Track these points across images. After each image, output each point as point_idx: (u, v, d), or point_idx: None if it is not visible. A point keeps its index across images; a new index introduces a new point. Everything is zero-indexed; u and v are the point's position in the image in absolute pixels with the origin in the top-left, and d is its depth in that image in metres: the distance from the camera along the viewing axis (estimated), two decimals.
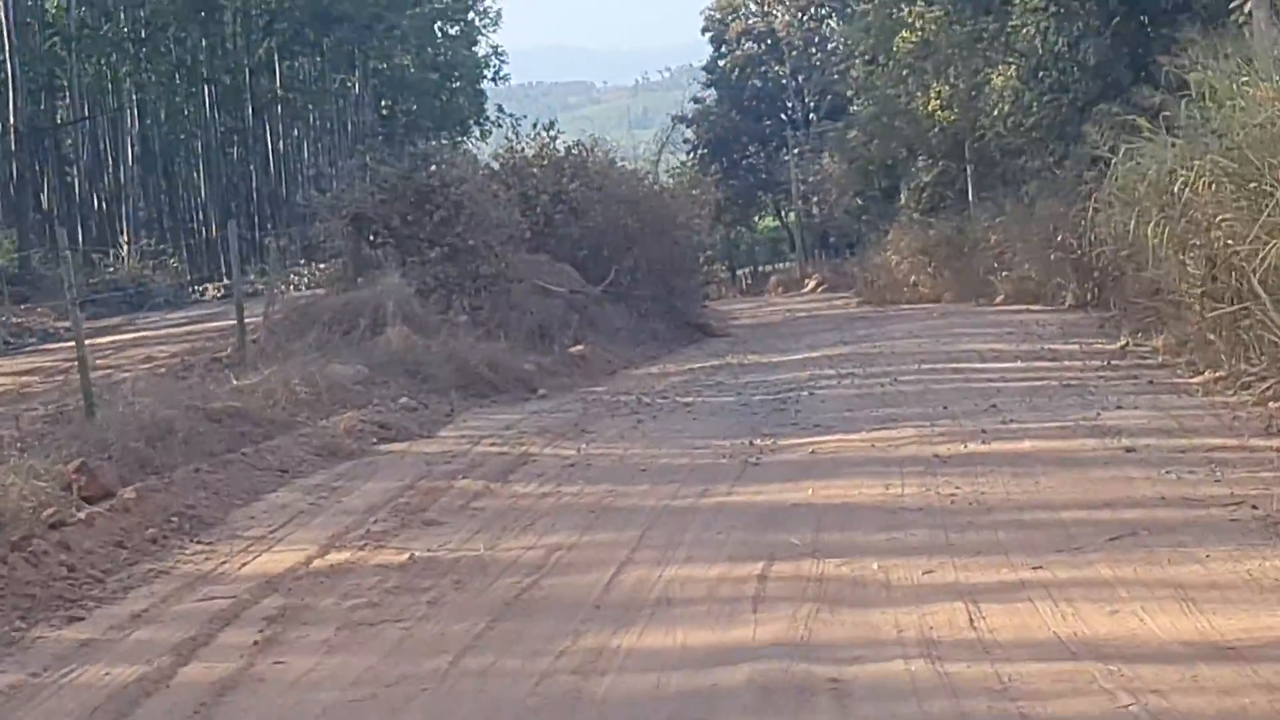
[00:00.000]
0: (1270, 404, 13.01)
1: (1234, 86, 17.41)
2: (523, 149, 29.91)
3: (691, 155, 65.35)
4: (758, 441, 13.71)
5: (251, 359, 18.66)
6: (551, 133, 29.98)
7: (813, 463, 12.45)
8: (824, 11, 62.51)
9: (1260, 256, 14.18)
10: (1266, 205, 15.20)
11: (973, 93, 37.13)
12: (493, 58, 66.89)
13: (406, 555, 9.99)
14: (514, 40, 76.19)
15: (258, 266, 36.88)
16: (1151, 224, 18.63)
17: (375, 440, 14.92)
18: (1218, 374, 15.41)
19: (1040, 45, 28.24)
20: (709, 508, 10.94)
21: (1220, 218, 15.93)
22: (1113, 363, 18.02)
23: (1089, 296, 25.71)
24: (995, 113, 34.95)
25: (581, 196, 28.16)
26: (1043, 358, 19.36)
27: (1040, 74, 28.31)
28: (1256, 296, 15.77)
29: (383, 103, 58.46)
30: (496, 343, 21.16)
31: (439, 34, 64.33)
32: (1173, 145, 18.57)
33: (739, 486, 11.68)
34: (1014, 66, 33.67)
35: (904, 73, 42.09)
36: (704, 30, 65.17)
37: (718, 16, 64.66)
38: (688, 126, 65.33)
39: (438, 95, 61.11)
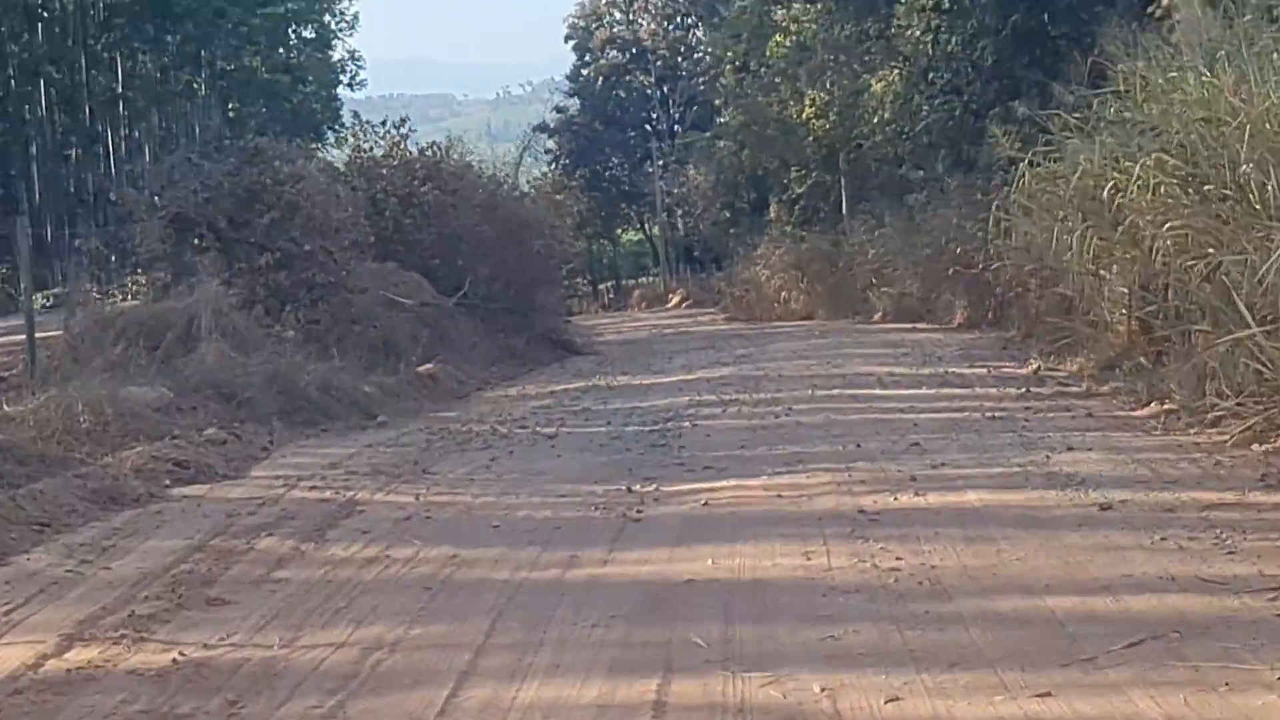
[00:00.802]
0: (1254, 446, 10.68)
1: (1171, 80, 15.20)
2: (371, 148, 27.14)
3: (553, 166, 62.78)
4: (637, 487, 11.13)
5: (41, 379, 15.75)
6: (403, 130, 27.25)
7: (707, 517, 9.89)
8: (690, 20, 60.28)
9: (1257, 274, 11.85)
10: (1230, 212, 12.95)
11: (851, 99, 34.94)
12: (349, 63, 63.81)
13: (173, 655, 7.27)
14: (374, 53, 72.99)
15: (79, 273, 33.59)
16: (1076, 234, 16.39)
17: (169, 482, 12.10)
18: (1167, 406, 13.12)
19: (931, 46, 26.04)
20: (580, 583, 8.33)
21: (1168, 226, 13.65)
22: (1033, 390, 15.69)
23: (987, 315, 23.45)
24: (875, 120, 32.80)
25: (435, 200, 25.44)
26: (950, 383, 17.00)
27: (930, 75, 26.11)
28: (1209, 315, 13.56)
29: (230, 105, 55.10)
30: (332, 362, 18.41)
31: (292, 36, 61.09)
32: (1100, 145, 16.34)
33: (617, 551, 9.08)
34: (897, 70, 31.52)
35: (777, 80, 39.90)
36: (567, 38, 62.71)
37: (581, 24, 62.20)
38: (550, 137, 62.77)
39: (288, 99, 57.89)
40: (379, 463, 13.06)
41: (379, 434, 15.60)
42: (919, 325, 26.58)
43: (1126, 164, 15.58)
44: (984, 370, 18.02)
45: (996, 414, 13.73)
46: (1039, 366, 17.75)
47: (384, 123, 27.60)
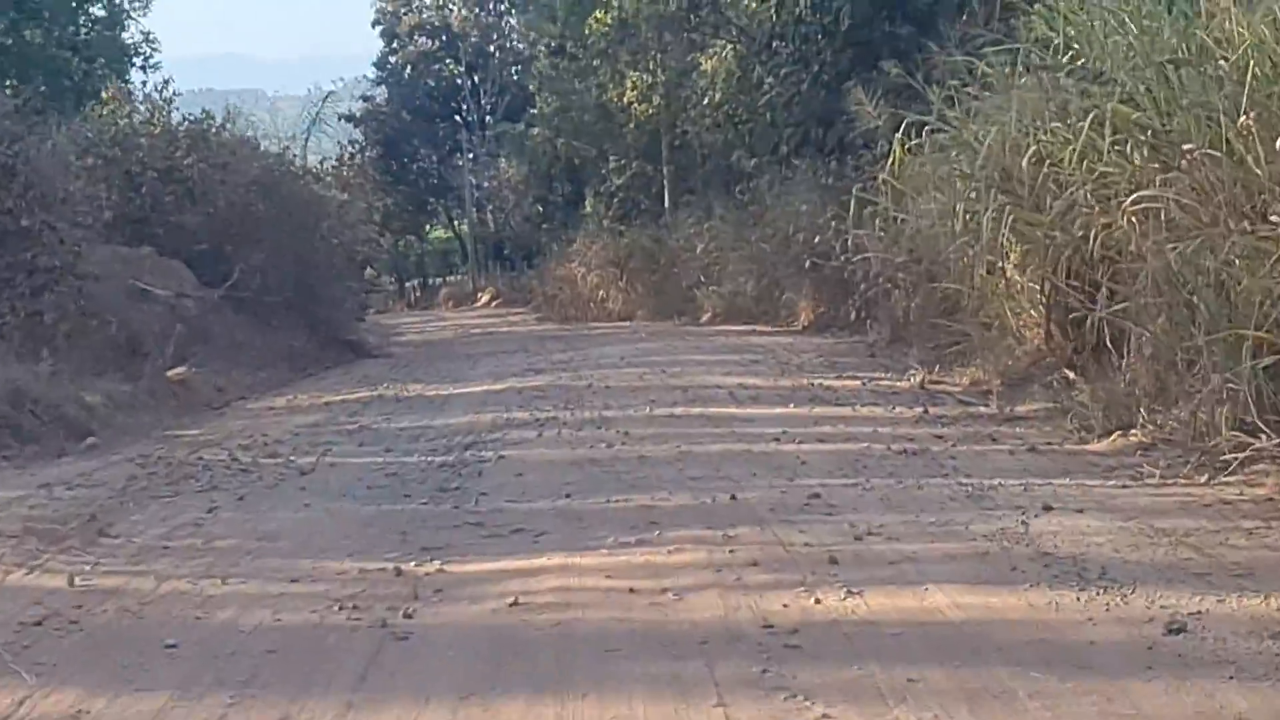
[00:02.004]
0: None
1: (1118, 17, 11.62)
2: (129, 114, 22.70)
3: (358, 156, 58.14)
4: (411, 566, 7.14)
5: None
6: (166, 94, 22.87)
7: (516, 637, 5.92)
8: (504, 6, 56.12)
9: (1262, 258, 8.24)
10: (1219, 181, 9.35)
11: (677, 80, 31.22)
12: (143, 44, 58.44)
13: None
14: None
15: None
16: (988, 214, 12.76)
17: None
18: (1134, 436, 9.50)
19: (776, 11, 22.34)
20: None
21: (1134, 199, 10.00)
22: (931, 410, 12.00)
23: (841, 315, 19.79)
24: (705, 101, 29.09)
25: (201, 176, 21.07)
26: (822, 399, 13.26)
27: (774, 44, 22.41)
28: (1167, 314, 9.98)
29: (7, 82, 49.64)
30: (41, 364, 14.11)
31: (79, 10, 55.64)
32: (1019, 102, 12.72)
33: (361, 711, 5.11)
34: (731, 45, 27.83)
35: (595, 62, 36.00)
36: (374, 24, 58.01)
37: (389, 9, 57.59)
38: (355, 126, 58.06)
39: (70, 78, 52.50)
40: (41, 515, 8.83)
41: (81, 462, 11.39)
42: (758, 328, 22.92)
43: (1055, 125, 12.05)
44: (856, 383, 14.33)
45: (906, 447, 9.97)
46: (923, 378, 14.11)
47: (143, 84, 23.14)
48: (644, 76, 33.56)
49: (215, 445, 12.08)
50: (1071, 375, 11.61)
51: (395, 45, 57.47)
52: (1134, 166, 10.29)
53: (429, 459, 10.78)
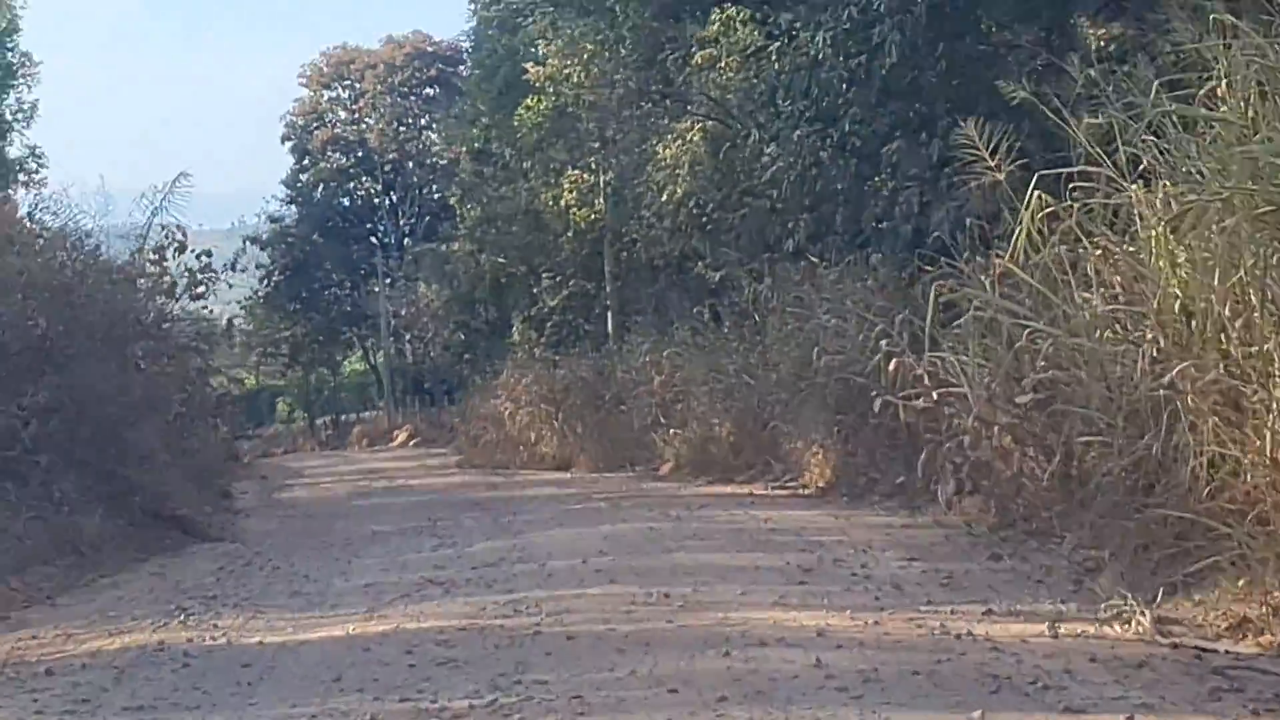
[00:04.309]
0: None
1: None
2: None
3: (265, 283, 50.93)
4: None
5: None
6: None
7: None
8: (424, 121, 49.33)
9: None
10: None
11: (630, 175, 24.36)
12: (30, 159, 51.05)
13: None
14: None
15: None
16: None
17: None
18: None
19: (777, 57, 15.50)
20: None
21: None
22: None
23: (919, 480, 12.54)
24: (665, 197, 22.20)
25: None
26: (1018, 687, 6.16)
27: (777, 102, 15.45)
28: None
29: None
30: None
31: None
32: None
33: None
34: (700, 125, 21.00)
35: (526, 162, 29.18)
36: (284, 139, 51.07)
37: (300, 123, 50.66)
38: (261, 249, 50.83)
39: None
40: None
41: None
42: (753, 490, 15.87)
43: None
44: (1030, 627, 7.33)
45: None
46: (1150, 620, 7.14)
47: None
48: (584, 175, 26.71)
49: None
50: None
51: (306, 162, 50.49)
52: None
53: None
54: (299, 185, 50.94)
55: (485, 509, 15.84)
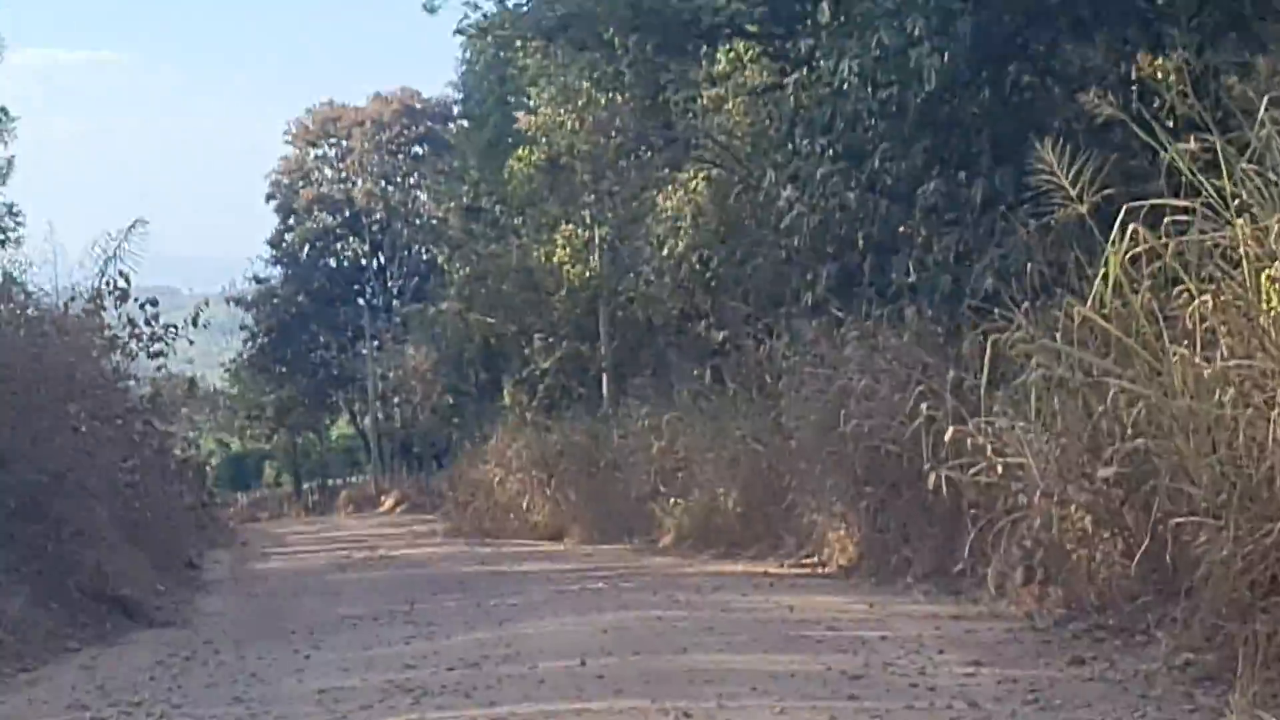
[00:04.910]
0: None
1: None
2: None
3: (250, 345, 49.28)
4: None
5: None
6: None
7: None
8: (413, 180, 47.79)
9: None
10: None
11: (626, 229, 22.76)
12: (5, 217, 49.30)
13: None
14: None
15: None
16: None
17: None
18: None
19: (795, 93, 13.88)
20: None
21: None
22: None
23: (962, 563, 10.75)
24: (665, 252, 20.57)
25: None
26: None
27: (794, 139, 13.81)
28: None
29: None
30: None
31: None
32: None
33: None
34: (704, 172, 19.39)
35: (517, 218, 27.61)
36: (269, 197, 49.48)
37: (285, 181, 49.09)
38: (245, 310, 49.18)
39: None
40: None
41: None
42: (768, 569, 14.16)
43: None
44: None
45: None
46: None
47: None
48: (578, 230, 25.08)
49: None
50: None
51: (292, 222, 48.88)
52: None
53: None
54: (284, 245, 49.34)
55: (470, 589, 14.05)
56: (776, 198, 14.01)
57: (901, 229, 12.59)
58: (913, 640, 8.73)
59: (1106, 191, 8.79)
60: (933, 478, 9.66)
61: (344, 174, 48.45)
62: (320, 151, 48.81)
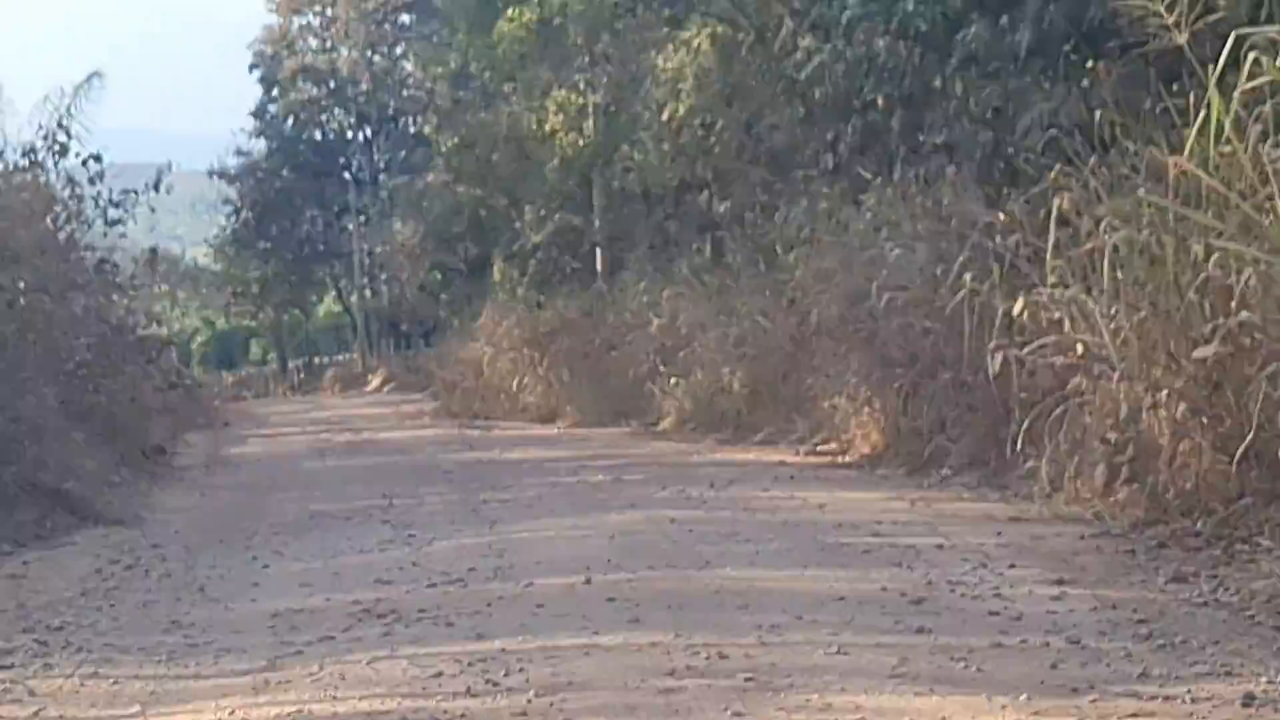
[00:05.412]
0: None
1: None
2: None
3: (233, 219, 47.61)
4: None
5: None
6: None
7: None
8: (399, 50, 45.81)
9: None
10: None
11: (623, 92, 21.11)
12: None
13: None
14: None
15: None
16: None
17: None
18: None
19: None
20: None
21: None
22: None
23: (1010, 448, 9.30)
24: (665, 117, 18.97)
25: None
26: None
27: None
28: None
29: None
30: None
31: None
32: None
33: None
34: (709, 29, 17.75)
35: (506, 85, 25.89)
36: (252, 67, 47.44)
37: (268, 51, 47.04)
38: (229, 184, 47.46)
39: None
40: None
41: None
42: (783, 457, 12.75)
43: None
44: None
45: None
46: None
47: None
48: (572, 95, 23.42)
49: None
50: None
51: (275, 93, 46.91)
52: None
53: None
54: (267, 117, 47.44)
55: (456, 481, 12.65)
56: (793, 49, 12.43)
57: (936, 81, 11.03)
58: (975, 551, 7.34)
59: (1212, 18, 7.28)
60: (998, 359, 8.21)
61: (329, 43, 46.42)
62: (304, 20, 46.72)
